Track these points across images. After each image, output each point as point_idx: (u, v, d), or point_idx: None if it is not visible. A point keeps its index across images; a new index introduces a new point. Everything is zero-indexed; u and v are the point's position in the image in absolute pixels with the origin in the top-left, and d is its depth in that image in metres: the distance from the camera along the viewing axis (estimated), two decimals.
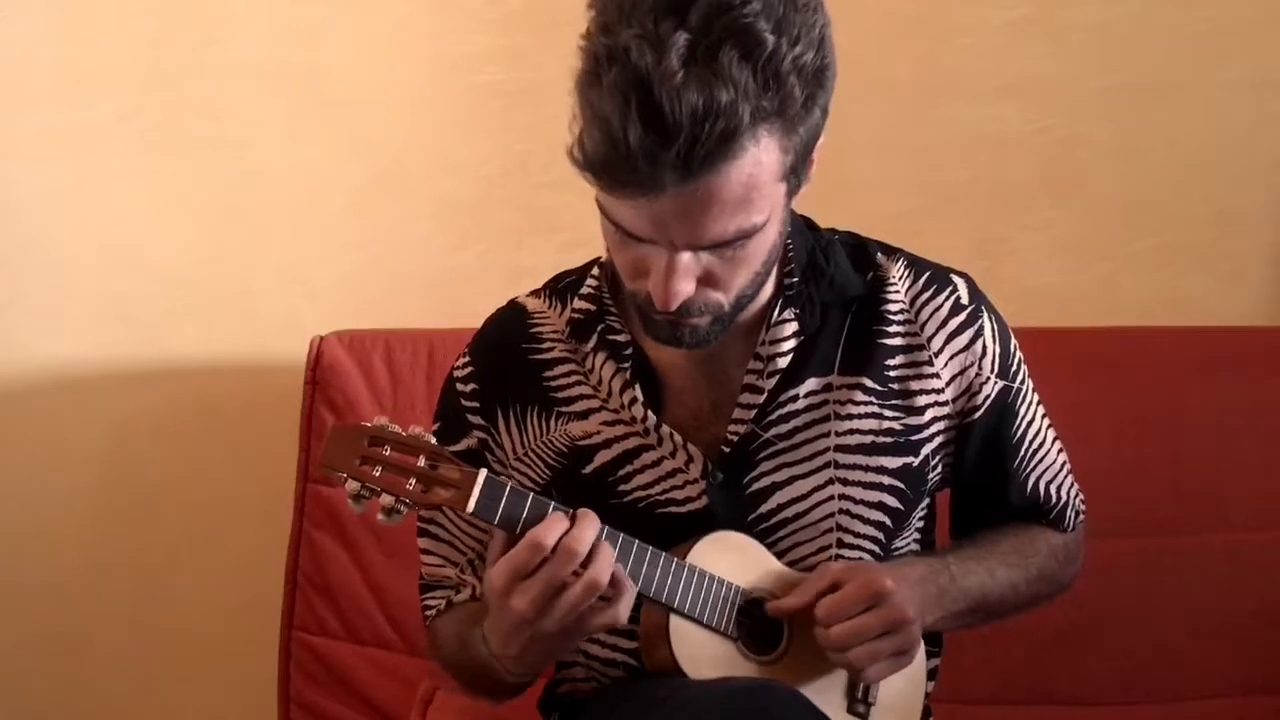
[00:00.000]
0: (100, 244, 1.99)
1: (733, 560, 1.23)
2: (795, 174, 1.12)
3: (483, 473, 1.13)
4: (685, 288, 1.11)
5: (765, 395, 1.26)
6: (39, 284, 2.00)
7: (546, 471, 1.31)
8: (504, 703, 1.33)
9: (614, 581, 1.13)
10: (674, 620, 1.20)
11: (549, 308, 1.34)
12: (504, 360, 1.33)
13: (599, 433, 1.29)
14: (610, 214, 1.11)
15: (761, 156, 1.06)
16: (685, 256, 1.10)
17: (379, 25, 2.00)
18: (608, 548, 1.13)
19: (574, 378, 1.30)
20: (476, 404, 1.33)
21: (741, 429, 1.26)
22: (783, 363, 1.26)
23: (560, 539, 1.11)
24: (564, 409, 1.30)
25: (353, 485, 1.13)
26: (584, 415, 1.29)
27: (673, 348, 1.20)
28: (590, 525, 1.12)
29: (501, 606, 1.14)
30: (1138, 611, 1.77)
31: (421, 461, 1.13)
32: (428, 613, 1.39)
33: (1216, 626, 1.79)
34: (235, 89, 1.98)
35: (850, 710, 1.24)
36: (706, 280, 1.14)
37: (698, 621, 1.20)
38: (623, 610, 1.14)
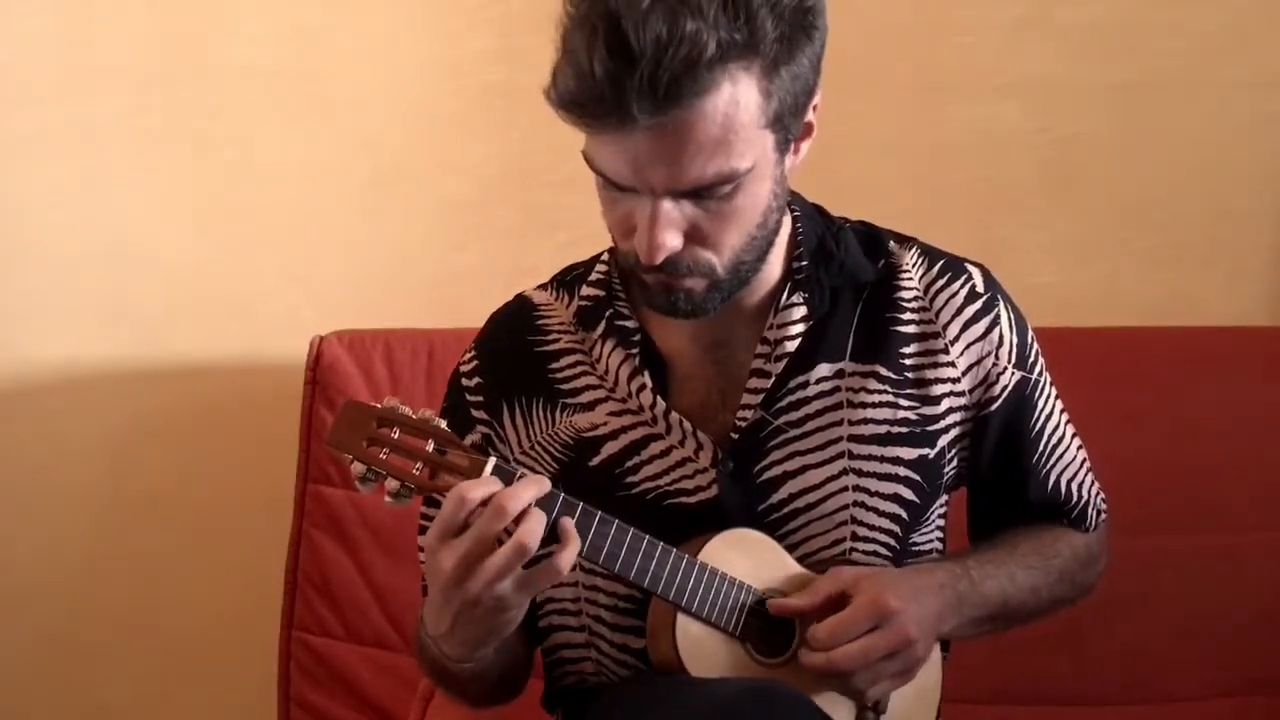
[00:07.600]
0: (101, 244, 1.99)
1: (747, 560, 1.21)
2: (782, 124, 1.11)
3: (491, 460, 1.12)
4: (669, 239, 1.10)
5: (773, 380, 1.24)
6: (40, 284, 2.00)
7: (553, 465, 1.28)
8: (495, 707, 1.32)
9: (561, 532, 1.10)
10: (680, 618, 1.18)
11: (556, 299, 1.33)
12: (508, 353, 1.32)
13: (605, 424, 1.27)
14: (593, 162, 1.11)
15: (739, 96, 1.06)
16: (667, 204, 1.09)
17: (379, 25, 2.00)
18: (540, 513, 1.08)
19: (580, 368, 1.29)
20: (480, 398, 1.31)
21: (750, 414, 1.24)
22: (790, 346, 1.24)
23: (492, 496, 1.07)
24: (569, 400, 1.28)
25: (358, 467, 1.11)
26: (590, 406, 1.28)
27: (669, 316, 1.18)
28: (529, 486, 1.09)
29: (433, 569, 1.10)
30: (1137, 611, 1.77)
31: (430, 446, 1.12)
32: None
33: (1216, 626, 1.79)
34: (236, 89, 1.98)
35: (858, 718, 1.21)
36: (694, 236, 1.12)
37: (704, 620, 1.18)
38: (563, 562, 1.09)
